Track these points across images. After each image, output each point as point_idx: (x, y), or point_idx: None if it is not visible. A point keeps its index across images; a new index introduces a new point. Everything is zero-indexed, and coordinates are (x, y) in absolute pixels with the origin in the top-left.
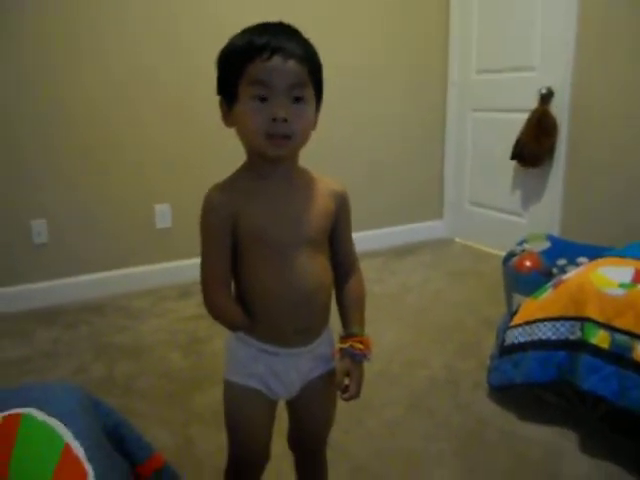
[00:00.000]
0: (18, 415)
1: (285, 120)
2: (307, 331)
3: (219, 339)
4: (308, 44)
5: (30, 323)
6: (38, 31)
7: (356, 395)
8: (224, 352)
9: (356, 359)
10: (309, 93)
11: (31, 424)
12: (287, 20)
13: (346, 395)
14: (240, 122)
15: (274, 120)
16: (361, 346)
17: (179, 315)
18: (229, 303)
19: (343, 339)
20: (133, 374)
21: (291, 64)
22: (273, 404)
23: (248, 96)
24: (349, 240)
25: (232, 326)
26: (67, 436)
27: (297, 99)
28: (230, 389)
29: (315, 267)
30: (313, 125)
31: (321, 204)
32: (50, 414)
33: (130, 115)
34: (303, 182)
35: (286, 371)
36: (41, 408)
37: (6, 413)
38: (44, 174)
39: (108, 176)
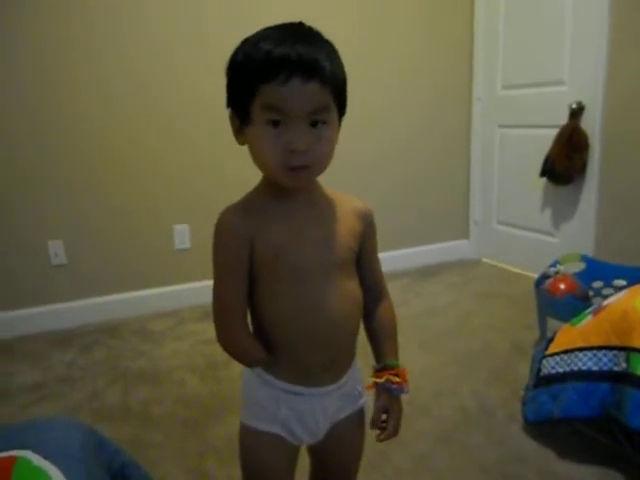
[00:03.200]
0: (13, 458)
1: (304, 150)
2: (334, 366)
3: (238, 364)
4: (333, 52)
5: (46, 346)
6: (37, 66)
7: (395, 433)
8: (241, 389)
9: (394, 393)
10: (332, 115)
11: (25, 469)
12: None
13: (383, 435)
14: (253, 147)
15: (292, 151)
16: (398, 379)
17: (198, 338)
18: (247, 338)
19: (378, 372)
20: (149, 400)
21: (312, 87)
22: (295, 451)
23: (261, 120)
24: (377, 263)
25: (251, 364)
26: None
27: (317, 122)
28: (248, 435)
29: (342, 293)
30: (335, 143)
31: (347, 224)
32: (46, 457)
33: (145, 136)
34: (325, 201)
35: (312, 414)
36: (38, 451)
37: (2, 455)
38: (61, 194)
39: (126, 197)
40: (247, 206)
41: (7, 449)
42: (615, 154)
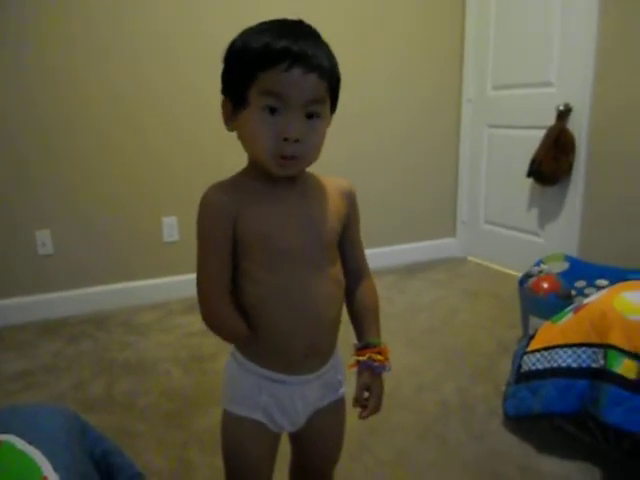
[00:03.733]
0: None
1: (297, 140)
2: (316, 354)
3: (224, 357)
4: (330, 52)
5: (33, 335)
6: (40, 63)
7: (376, 410)
8: (223, 376)
9: (376, 371)
10: (326, 109)
11: (9, 453)
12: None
13: (366, 412)
14: (246, 131)
15: (285, 139)
16: (380, 357)
17: (185, 330)
18: (230, 311)
19: (360, 351)
20: (133, 391)
21: (311, 78)
22: (276, 438)
23: (258, 105)
24: (360, 243)
25: (233, 338)
26: (46, 469)
27: (312, 114)
28: (230, 421)
29: (326, 277)
30: (324, 138)
31: (333, 205)
32: (31, 442)
33: (134, 127)
34: (311, 184)
35: (292, 401)
36: (23, 435)
37: None
38: (48, 184)
39: (115, 188)
40: (233, 185)
41: None
42: (601, 156)
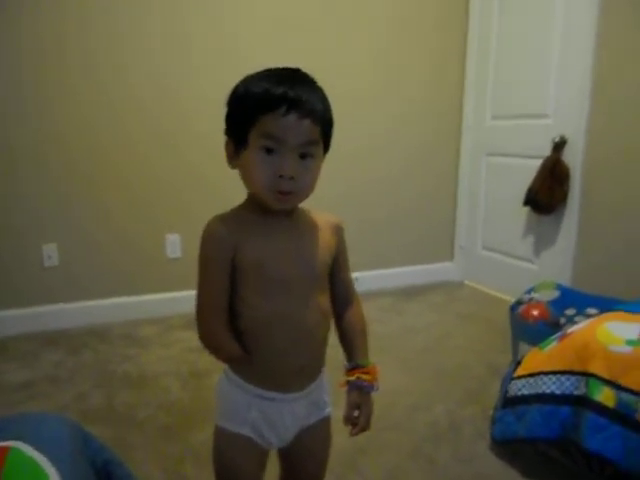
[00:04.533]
0: (6, 448)
1: (292, 178)
2: (304, 373)
3: (220, 374)
4: (324, 97)
5: (36, 345)
6: (37, 55)
7: (366, 428)
8: (215, 393)
9: (364, 390)
10: (319, 150)
11: (18, 459)
12: (295, 62)
13: (355, 429)
14: (246, 170)
15: (281, 177)
16: (368, 377)
17: (185, 345)
18: (225, 334)
19: (349, 371)
20: (133, 404)
21: (306, 123)
22: (264, 453)
23: (257, 146)
24: (347, 271)
25: (227, 359)
26: (52, 474)
27: (305, 155)
28: (221, 435)
29: (314, 305)
30: (318, 175)
31: (323, 239)
32: (38, 449)
33: (138, 148)
34: (304, 219)
35: (281, 417)
36: (30, 442)
37: None
38: (55, 200)
39: (121, 205)
40: (233, 217)
41: (1, 439)
42: (595, 186)
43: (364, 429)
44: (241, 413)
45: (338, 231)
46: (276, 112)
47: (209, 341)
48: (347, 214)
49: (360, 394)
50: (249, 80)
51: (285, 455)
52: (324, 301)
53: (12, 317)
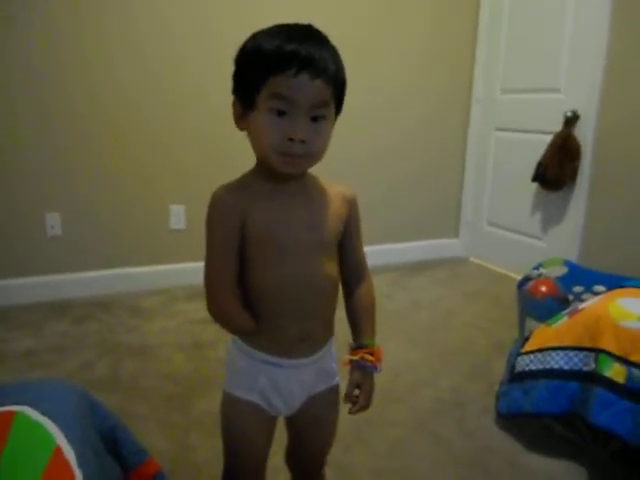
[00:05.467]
0: (12, 412)
1: (303, 141)
2: (312, 337)
3: (224, 344)
4: (337, 56)
5: (40, 315)
6: (47, 32)
7: (366, 407)
8: (225, 362)
9: (367, 371)
10: (330, 112)
11: (24, 423)
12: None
13: (355, 407)
14: (254, 132)
15: (291, 139)
16: (372, 358)
17: (188, 317)
18: (237, 307)
19: (353, 351)
20: (137, 374)
21: (318, 83)
22: (272, 420)
23: (266, 107)
24: (360, 247)
25: (239, 331)
26: (59, 439)
27: (317, 117)
28: (229, 402)
29: (322, 272)
30: (330, 139)
31: (334, 208)
32: (44, 413)
33: (144, 117)
34: (314, 187)
35: (288, 384)
36: (37, 406)
37: (0, 410)
38: (58, 168)
39: (125, 175)
40: (240, 185)
41: (5, 404)
42: (606, 164)
43: (363, 408)
44: (249, 380)
45: (350, 201)
46: (287, 72)
47: (219, 314)
48: (353, 188)
49: (362, 374)
50: (258, 37)
51: (292, 423)
52: (332, 268)
53: (15, 286)
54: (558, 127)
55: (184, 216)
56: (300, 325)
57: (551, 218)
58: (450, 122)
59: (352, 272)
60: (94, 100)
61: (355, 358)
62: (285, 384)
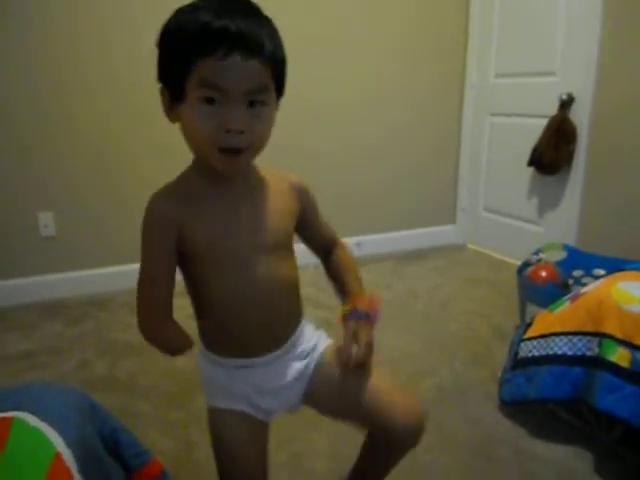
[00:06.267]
0: (10, 419)
1: (241, 132)
2: (276, 334)
3: None
4: (273, 30)
5: (35, 316)
6: (44, 30)
7: (365, 356)
8: (200, 378)
9: (361, 319)
10: (270, 96)
11: (22, 429)
12: (303, 30)
13: (353, 359)
14: (186, 125)
15: (228, 131)
16: (364, 304)
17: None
18: (167, 321)
19: (345, 305)
20: (136, 372)
21: (252, 65)
22: (263, 428)
23: (196, 98)
24: (324, 225)
25: (169, 349)
26: (59, 444)
27: (254, 102)
28: (214, 415)
29: (273, 276)
30: (273, 125)
31: (282, 204)
32: (43, 419)
33: (137, 116)
34: (259, 183)
35: (268, 381)
36: (35, 412)
37: None
38: (51, 168)
39: (117, 171)
40: (178, 190)
41: (3, 410)
42: (602, 147)
43: (362, 359)
44: (227, 388)
45: (300, 192)
46: (215, 54)
47: (146, 330)
48: (346, 177)
49: (356, 322)
50: (182, 13)
51: (336, 410)
52: (287, 268)
53: (10, 287)
54: (553, 110)
55: None
56: (261, 329)
57: (548, 202)
58: (444, 108)
59: (323, 246)
60: (89, 100)
61: (346, 308)
62: (266, 382)
